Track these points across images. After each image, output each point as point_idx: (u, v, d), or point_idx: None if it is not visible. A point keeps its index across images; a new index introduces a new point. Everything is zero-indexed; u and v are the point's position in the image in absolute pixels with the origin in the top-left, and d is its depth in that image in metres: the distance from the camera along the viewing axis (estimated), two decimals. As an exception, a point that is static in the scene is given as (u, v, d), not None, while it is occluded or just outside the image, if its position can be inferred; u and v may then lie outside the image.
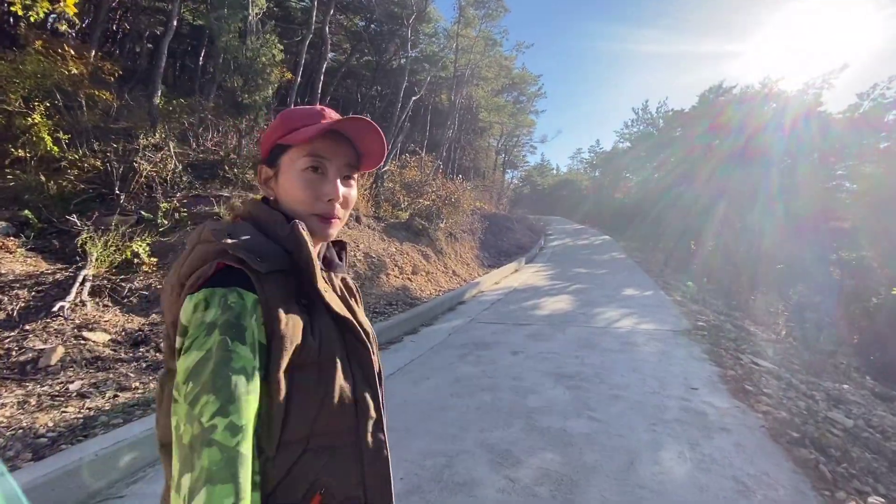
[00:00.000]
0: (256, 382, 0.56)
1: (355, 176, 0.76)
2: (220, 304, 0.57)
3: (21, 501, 0.63)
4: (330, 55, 13.81)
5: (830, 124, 14.42)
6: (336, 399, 0.65)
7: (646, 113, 23.98)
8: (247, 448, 0.53)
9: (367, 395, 0.70)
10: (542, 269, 12.54)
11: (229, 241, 0.61)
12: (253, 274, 0.60)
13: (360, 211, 9.02)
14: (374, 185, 11.17)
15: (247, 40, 8.65)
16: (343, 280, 0.81)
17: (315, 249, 0.71)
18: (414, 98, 12.96)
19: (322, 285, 0.68)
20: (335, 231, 0.74)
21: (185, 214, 6.61)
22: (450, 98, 14.01)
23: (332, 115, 0.74)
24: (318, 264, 0.67)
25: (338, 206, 0.73)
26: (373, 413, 0.71)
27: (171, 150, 7.55)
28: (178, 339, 0.58)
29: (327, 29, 11.46)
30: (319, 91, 11.64)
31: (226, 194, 7.20)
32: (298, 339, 0.61)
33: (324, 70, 11.58)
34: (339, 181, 0.72)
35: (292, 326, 0.61)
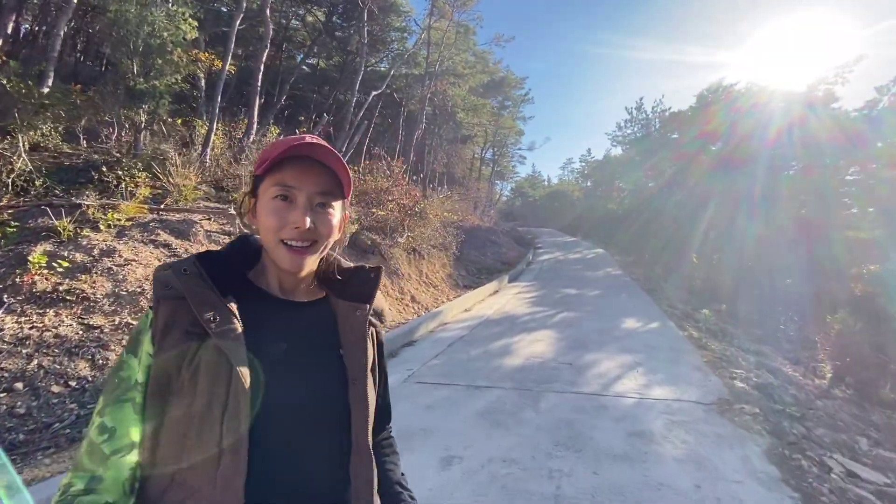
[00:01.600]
0: (135, 392, 0.62)
1: (335, 204, 0.74)
2: (140, 321, 0.67)
3: (22, 492, 0.65)
4: (293, 52, 12.18)
5: (844, 123, 12.87)
6: (197, 440, 0.61)
7: (640, 113, 22.40)
8: (111, 448, 0.59)
9: (233, 452, 0.60)
10: (527, 290, 10.70)
11: (174, 264, 0.68)
12: (154, 297, 0.67)
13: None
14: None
15: (146, 12, 6.87)
16: (361, 318, 0.76)
17: (297, 278, 0.75)
18: (375, 93, 11.22)
19: (212, 315, 0.65)
20: (307, 261, 0.72)
21: (14, 229, 4.73)
22: (421, 95, 12.37)
23: (311, 141, 0.71)
24: (199, 298, 0.65)
25: (309, 234, 0.71)
26: (238, 475, 0.60)
27: (22, 145, 5.69)
28: None
29: (268, 11, 9.75)
30: (259, 85, 9.88)
31: (89, 203, 5.33)
32: (169, 366, 0.63)
33: (263, 59, 9.84)
34: (309, 209, 0.71)
35: (165, 351, 0.63)
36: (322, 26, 14.07)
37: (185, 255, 5.34)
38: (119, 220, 5.14)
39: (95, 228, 4.94)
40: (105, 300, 3.98)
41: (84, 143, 7.49)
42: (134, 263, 4.49)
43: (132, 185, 6.31)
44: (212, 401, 0.61)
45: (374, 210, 8.68)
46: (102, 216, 5.14)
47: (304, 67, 20.46)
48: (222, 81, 8.76)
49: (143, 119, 6.97)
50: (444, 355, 5.08)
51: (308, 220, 0.69)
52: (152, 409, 0.62)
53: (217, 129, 9.42)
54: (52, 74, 7.83)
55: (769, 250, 15.18)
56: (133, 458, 0.61)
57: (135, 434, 0.61)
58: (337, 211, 0.74)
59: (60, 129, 7.18)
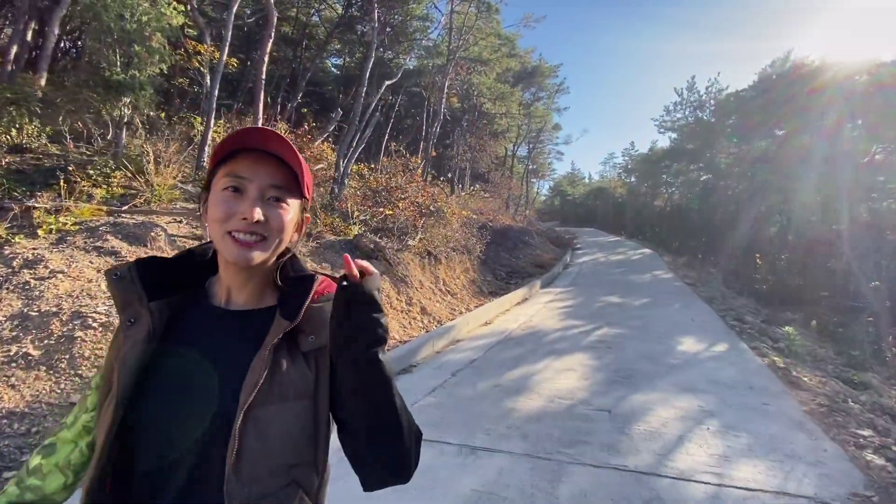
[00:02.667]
0: (94, 383, 0.72)
1: (290, 201, 0.70)
2: None
3: None
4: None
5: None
6: (100, 438, 0.63)
7: (692, 93, 19.19)
8: (68, 421, 0.72)
9: (98, 455, 0.62)
10: (560, 298, 9.37)
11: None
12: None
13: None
14: (331, 192, 8.50)
15: (125, -5, 6.23)
16: (288, 329, 0.67)
17: (244, 278, 0.71)
18: (389, 83, 10.26)
19: (131, 318, 0.68)
20: (254, 255, 0.66)
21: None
22: (441, 84, 11.21)
23: (262, 129, 0.67)
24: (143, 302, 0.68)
25: (260, 228, 0.66)
26: (92, 479, 0.62)
27: (-21, 143, 5.11)
28: None
29: (271, -2, 9.01)
30: (264, 78, 9.16)
31: (38, 205, 4.64)
32: (112, 358, 0.67)
33: (268, 50, 9.11)
34: (260, 201, 0.66)
35: (112, 345, 0.69)
36: (339, 19, 13.34)
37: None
38: (65, 224, 4.42)
39: (33, 234, 4.24)
40: (7, 323, 3.19)
41: (70, 143, 6.99)
42: (60, 276, 3.70)
43: (104, 184, 5.65)
44: (110, 400, 0.63)
45: (381, 210, 7.70)
46: (49, 220, 4.44)
47: (332, 69, 20.01)
48: (219, 74, 8.06)
49: (124, 113, 6.33)
50: (442, 390, 3.96)
51: (258, 211, 0.65)
52: (102, 389, 0.67)
53: (219, 126, 8.80)
54: (45, 74, 7.43)
55: (851, 248, 12.91)
56: (86, 416, 0.71)
57: (92, 401, 0.70)
58: (292, 208, 0.70)
59: (48, 129, 6.70)
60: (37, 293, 3.48)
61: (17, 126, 6.25)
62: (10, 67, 7.29)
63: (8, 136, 6.16)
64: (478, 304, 8.53)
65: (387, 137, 12.06)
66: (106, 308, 3.55)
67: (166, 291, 0.69)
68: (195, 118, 8.27)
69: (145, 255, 0.73)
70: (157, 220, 5.07)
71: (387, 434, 0.65)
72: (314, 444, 0.66)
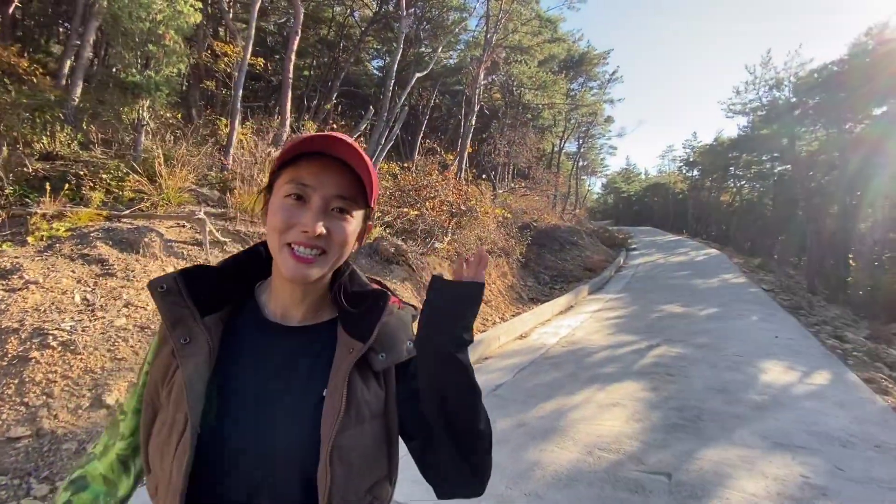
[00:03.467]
0: (138, 380, 0.67)
1: (355, 213, 0.65)
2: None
3: None
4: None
5: None
6: (161, 458, 0.60)
7: (767, 70, 15.75)
8: (114, 432, 0.68)
9: (173, 489, 0.58)
10: (611, 306, 8.31)
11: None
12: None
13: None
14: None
15: (142, -5, 6.07)
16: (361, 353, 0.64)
17: (300, 293, 0.67)
18: (419, 75, 9.63)
19: (185, 337, 0.63)
20: (312, 273, 0.62)
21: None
22: (472, 81, 10.36)
23: (330, 134, 0.64)
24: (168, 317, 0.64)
25: (321, 241, 0.62)
26: None
27: (-5, 150, 5.06)
28: None
29: (298, -9, 8.71)
30: (290, 78, 8.89)
31: (38, 211, 4.45)
32: (157, 379, 0.63)
33: (294, 47, 8.83)
34: (323, 213, 0.62)
35: (154, 365, 0.65)
36: (374, 16, 12.96)
37: (121, 273, 3.80)
38: (57, 230, 4.17)
39: (24, 242, 4.02)
40: (-41, 342, 2.87)
41: (98, 148, 7.00)
42: (33, 288, 3.38)
43: (116, 188, 5.47)
44: (172, 427, 0.60)
45: (406, 210, 7.09)
46: (43, 226, 4.22)
47: (374, 71, 19.84)
48: (243, 73, 7.83)
49: (141, 115, 6.17)
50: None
51: (320, 225, 0.61)
52: (144, 414, 0.64)
53: (246, 128, 8.63)
54: (80, 83, 7.54)
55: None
56: (121, 444, 0.67)
57: (127, 427, 0.67)
58: (356, 220, 0.66)
59: (79, 136, 6.73)
60: (2, 307, 3.16)
61: (49, 133, 6.28)
62: (64, 81, 7.49)
63: (41, 144, 6.19)
64: (515, 312, 7.70)
65: (421, 135, 11.48)
66: (72, 325, 3.17)
67: (216, 304, 0.66)
68: (221, 120, 8.10)
69: (191, 266, 0.69)
70: (157, 224, 4.75)
71: (473, 437, 0.64)
72: (388, 458, 0.66)
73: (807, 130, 14.96)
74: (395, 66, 8.45)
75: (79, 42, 7.58)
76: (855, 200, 12.62)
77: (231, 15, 9.66)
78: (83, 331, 3.18)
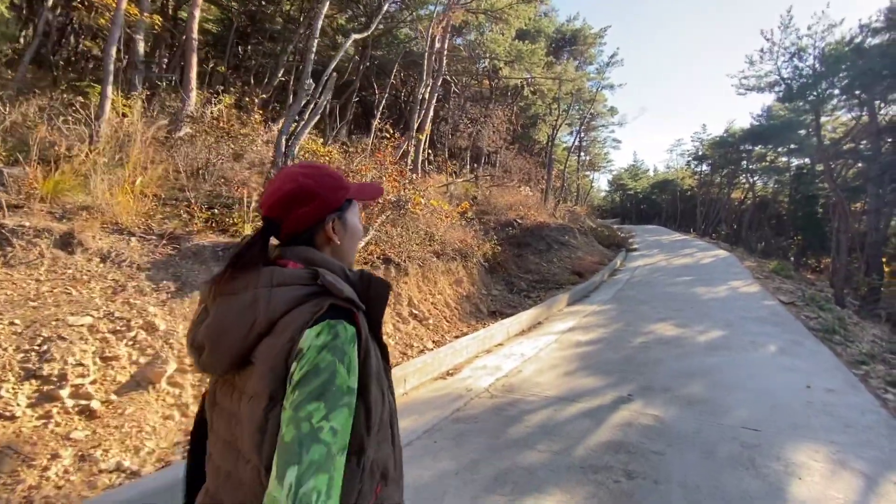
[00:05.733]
0: (350, 397, 0.69)
1: None
2: (332, 332, 0.69)
3: None
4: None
5: None
6: (387, 405, 0.81)
7: (787, 35, 12.42)
8: (338, 448, 0.66)
9: (392, 401, 0.85)
10: (587, 324, 6.56)
11: (336, 285, 0.73)
12: (358, 311, 0.74)
13: (119, 219, 4.15)
14: (266, 181, 6.35)
15: None
16: None
17: None
18: (357, 36, 7.85)
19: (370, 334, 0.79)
20: None
21: None
22: (429, 49, 8.46)
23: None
24: None
25: None
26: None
27: None
28: (294, 364, 0.67)
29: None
30: (196, 39, 7.23)
31: None
32: (365, 374, 0.73)
33: (199, 2, 7.16)
34: None
35: (374, 353, 0.77)
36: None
37: None
38: None
39: None
40: None
41: None
42: None
43: None
44: (384, 403, 0.78)
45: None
46: None
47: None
48: (118, 27, 6.20)
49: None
50: None
51: None
52: (364, 398, 0.73)
53: (130, 100, 7.00)
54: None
55: None
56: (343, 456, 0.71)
57: (347, 435, 0.68)
58: None
59: None
60: None
61: None
62: None
63: None
64: (462, 331, 5.99)
65: (378, 115, 9.78)
66: None
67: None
68: (92, 86, 6.46)
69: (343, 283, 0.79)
70: None
71: None
72: None
73: (833, 110, 12.78)
74: (319, 22, 6.73)
75: None
76: (891, 195, 10.68)
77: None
78: None
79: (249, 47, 14.01)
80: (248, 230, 4.74)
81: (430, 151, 10.19)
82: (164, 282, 3.87)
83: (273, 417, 0.67)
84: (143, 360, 3.18)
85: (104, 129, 5.62)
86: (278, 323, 0.69)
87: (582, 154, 31.72)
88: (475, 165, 13.04)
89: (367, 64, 12.01)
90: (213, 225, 4.87)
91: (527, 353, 5.12)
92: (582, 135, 28.22)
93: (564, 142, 27.14)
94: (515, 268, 10.89)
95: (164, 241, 4.26)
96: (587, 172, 37.18)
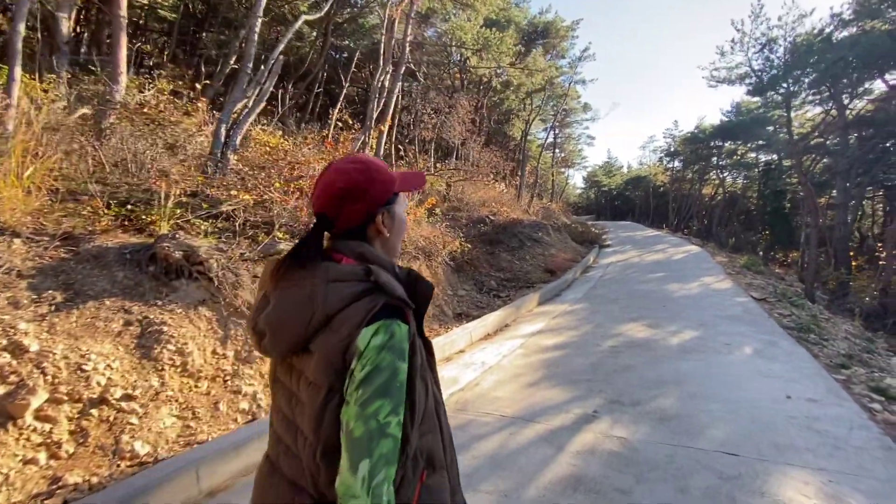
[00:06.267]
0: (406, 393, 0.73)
1: None
2: (388, 332, 0.71)
3: None
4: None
5: None
6: (432, 396, 0.84)
7: (758, 25, 11.67)
8: (400, 440, 0.70)
9: (438, 392, 0.88)
10: (557, 326, 6.17)
11: (390, 283, 0.75)
12: (409, 310, 0.77)
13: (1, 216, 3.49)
14: (203, 173, 5.70)
15: None
16: None
17: None
18: (308, 18, 7.23)
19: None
20: None
21: None
22: (388, 32, 7.89)
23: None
24: None
25: None
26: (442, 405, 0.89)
27: None
28: (354, 361, 0.70)
29: None
30: (125, 17, 6.48)
31: None
32: (413, 369, 0.76)
33: None
34: None
35: (421, 348, 0.80)
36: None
37: None
38: None
39: None
40: None
41: None
42: None
43: None
44: (428, 396, 0.81)
45: (236, 193, 4.82)
46: None
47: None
48: (25, 3, 5.43)
49: None
50: None
51: None
52: (413, 391, 0.75)
53: (47, 82, 6.25)
54: None
55: None
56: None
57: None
58: None
59: None
60: None
61: None
62: None
63: None
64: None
65: (339, 106, 9.14)
66: None
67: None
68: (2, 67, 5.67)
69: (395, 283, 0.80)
70: None
71: None
72: None
73: (802, 104, 12.81)
74: (261, 7, 6.10)
75: None
76: (856, 189, 10.72)
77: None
78: None
79: (205, 34, 13.16)
80: (165, 228, 4.10)
81: (400, 147, 9.64)
82: (50, 291, 3.24)
83: (331, 406, 0.71)
84: (0, 389, 2.57)
85: (11, 114, 4.89)
86: (335, 318, 0.72)
87: (556, 151, 31.64)
88: (446, 159, 12.55)
89: (330, 53, 11.33)
90: (127, 223, 4.23)
91: (489, 361, 4.67)
92: (556, 131, 28.10)
93: (539, 138, 26.94)
94: (487, 266, 10.49)
95: (58, 243, 3.62)
96: (562, 169, 37.18)
